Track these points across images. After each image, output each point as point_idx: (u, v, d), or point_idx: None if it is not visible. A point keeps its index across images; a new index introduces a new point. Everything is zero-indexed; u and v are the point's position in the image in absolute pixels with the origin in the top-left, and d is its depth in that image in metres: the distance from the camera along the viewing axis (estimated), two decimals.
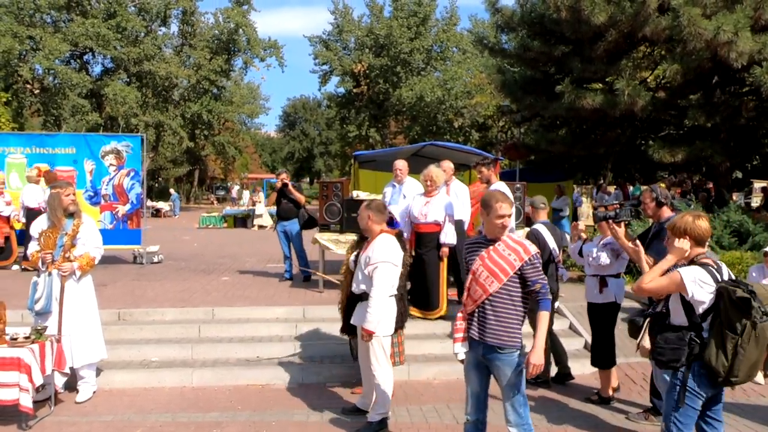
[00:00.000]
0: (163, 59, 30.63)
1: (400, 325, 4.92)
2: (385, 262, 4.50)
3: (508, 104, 15.61)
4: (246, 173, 52.97)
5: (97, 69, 32.30)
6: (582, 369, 6.00)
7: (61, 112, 27.82)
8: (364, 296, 4.63)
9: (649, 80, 12.49)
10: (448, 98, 30.58)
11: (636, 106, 9.78)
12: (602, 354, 5.33)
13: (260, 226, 22.20)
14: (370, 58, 33.08)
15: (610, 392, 5.35)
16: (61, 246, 5.24)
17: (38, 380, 4.67)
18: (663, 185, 6.24)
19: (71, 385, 5.40)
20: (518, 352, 3.54)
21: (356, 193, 8.44)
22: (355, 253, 4.98)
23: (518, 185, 8.20)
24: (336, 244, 7.74)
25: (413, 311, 6.62)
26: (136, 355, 6.10)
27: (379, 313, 4.49)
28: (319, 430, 4.75)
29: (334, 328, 6.54)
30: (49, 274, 5.20)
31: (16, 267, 9.97)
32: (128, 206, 10.92)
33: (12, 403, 4.58)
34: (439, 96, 30.50)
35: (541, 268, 3.53)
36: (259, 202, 23.81)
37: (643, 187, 16.84)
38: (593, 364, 5.47)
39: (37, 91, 28.43)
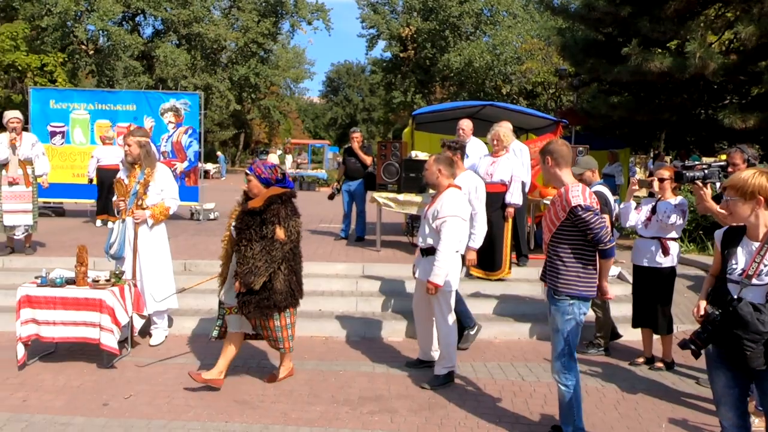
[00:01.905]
0: (212, 21, 30.79)
1: (291, 302, 4.47)
2: (454, 216, 4.48)
3: (566, 68, 15.16)
4: (289, 138, 53.28)
5: (148, 31, 32.75)
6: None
7: (114, 73, 28.33)
8: (429, 251, 4.62)
9: (714, 45, 11.90)
10: (497, 64, 29.90)
11: (707, 69, 9.33)
12: (666, 319, 5.22)
13: None
14: (418, 22, 32.54)
15: (672, 356, 5.26)
16: (134, 194, 5.38)
17: (123, 320, 4.85)
18: (724, 156, 5.96)
19: (144, 330, 5.60)
20: (571, 301, 3.58)
21: (415, 153, 8.37)
22: (236, 219, 4.42)
23: (581, 148, 7.99)
24: (394, 203, 7.74)
25: (475, 271, 6.61)
26: (204, 304, 6.27)
27: (447, 266, 4.48)
28: (386, 380, 4.81)
29: (395, 286, 6.65)
30: (123, 220, 5.36)
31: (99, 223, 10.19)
32: (186, 163, 11.13)
33: (93, 341, 4.78)
34: (488, 61, 29.84)
35: (591, 220, 3.48)
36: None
37: (705, 157, 16.24)
38: (654, 330, 5.33)
39: (91, 52, 28.97)
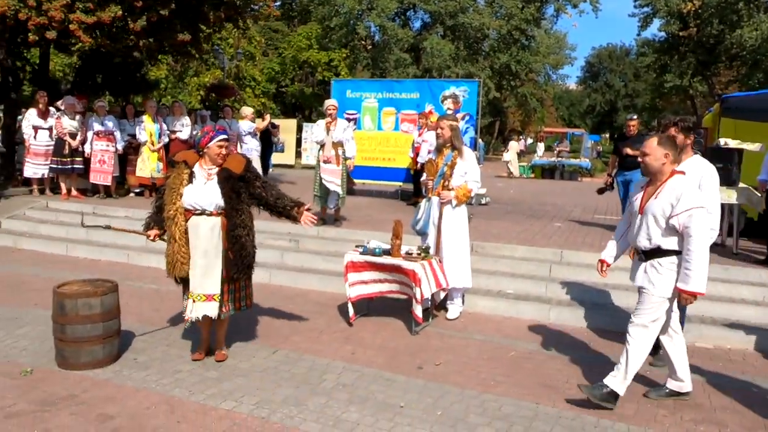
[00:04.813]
0: (476, 11, 31.35)
1: None
2: (700, 207, 3.68)
3: None
4: (542, 126, 52.14)
5: (417, 24, 34.64)
6: None
7: (386, 65, 30.66)
8: (652, 253, 3.82)
9: None
10: None
11: None
12: None
13: (509, 174, 22.94)
14: None
15: None
16: (441, 175, 5.69)
17: (427, 293, 5.20)
18: None
19: (441, 304, 5.94)
20: None
21: (724, 141, 7.45)
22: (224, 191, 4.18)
23: None
24: None
25: None
26: (494, 285, 6.42)
27: (706, 268, 3.64)
28: (702, 388, 4.34)
29: (719, 289, 5.90)
30: (429, 198, 5.72)
31: None
32: None
33: (408, 297, 5.26)
34: None
35: None
36: (507, 150, 24.85)
37: None
38: None
39: (369, 47, 31.73)
